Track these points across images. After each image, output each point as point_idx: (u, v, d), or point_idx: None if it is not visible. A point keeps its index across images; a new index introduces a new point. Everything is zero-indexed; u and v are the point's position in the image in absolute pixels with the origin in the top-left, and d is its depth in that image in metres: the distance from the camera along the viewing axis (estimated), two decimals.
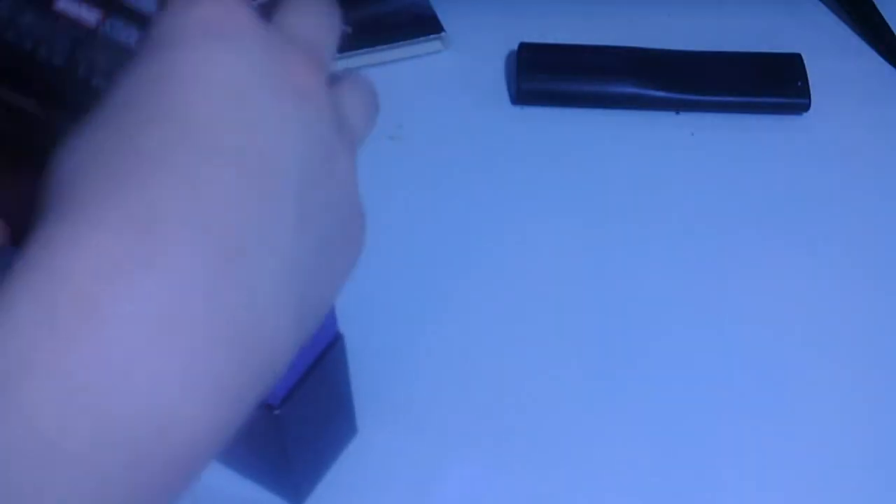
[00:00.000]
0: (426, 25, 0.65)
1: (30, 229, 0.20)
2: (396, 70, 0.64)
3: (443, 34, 0.65)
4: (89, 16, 0.29)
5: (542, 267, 0.53)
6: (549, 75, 0.62)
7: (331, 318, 0.39)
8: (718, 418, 0.46)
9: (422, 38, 0.65)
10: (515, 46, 0.63)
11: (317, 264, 0.23)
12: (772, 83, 0.62)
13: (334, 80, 0.26)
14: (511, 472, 0.44)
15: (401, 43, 0.64)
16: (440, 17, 0.66)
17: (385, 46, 0.64)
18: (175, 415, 0.19)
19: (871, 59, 0.66)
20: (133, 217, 0.19)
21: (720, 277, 0.52)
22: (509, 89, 0.63)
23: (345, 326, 0.40)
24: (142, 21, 0.29)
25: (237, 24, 0.22)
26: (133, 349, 0.18)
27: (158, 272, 0.19)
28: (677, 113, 0.62)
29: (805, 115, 0.62)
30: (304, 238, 0.22)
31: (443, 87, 0.63)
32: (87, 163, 0.20)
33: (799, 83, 0.61)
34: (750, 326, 0.50)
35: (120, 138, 0.20)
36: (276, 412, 0.37)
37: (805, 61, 0.62)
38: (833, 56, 0.66)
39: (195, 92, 0.21)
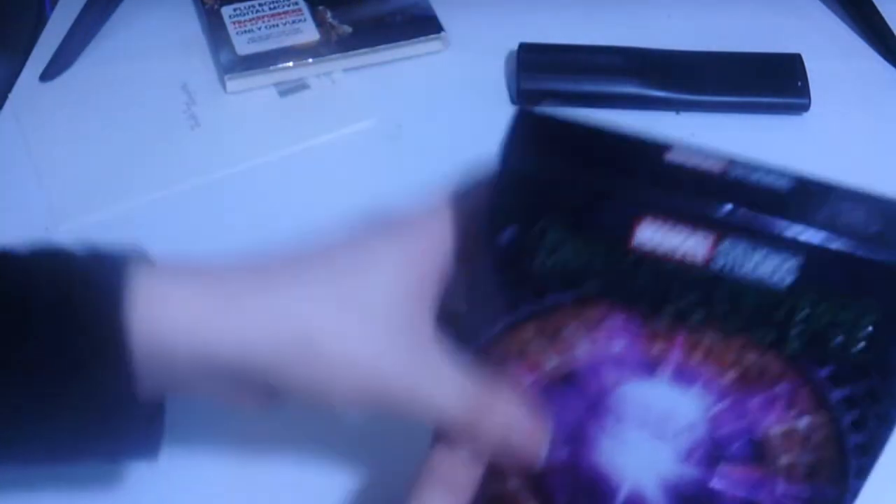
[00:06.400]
0: (426, 25, 0.65)
1: None
2: (396, 70, 0.64)
3: (443, 34, 0.65)
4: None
5: None
6: (549, 75, 0.62)
7: None
8: None
9: (422, 38, 0.65)
10: (515, 46, 0.63)
11: None
12: (772, 83, 0.62)
13: None
14: None
15: (401, 43, 0.64)
16: (440, 17, 0.66)
17: (385, 46, 0.64)
18: None
19: (871, 59, 0.66)
20: None
21: None
22: (509, 89, 0.63)
23: None
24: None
25: None
26: None
27: None
28: (677, 113, 0.62)
29: (805, 115, 0.62)
30: None
31: (443, 87, 0.63)
32: None
33: (799, 83, 0.61)
34: None
35: None
36: None
37: (805, 61, 0.62)
38: (833, 56, 0.66)
39: None
